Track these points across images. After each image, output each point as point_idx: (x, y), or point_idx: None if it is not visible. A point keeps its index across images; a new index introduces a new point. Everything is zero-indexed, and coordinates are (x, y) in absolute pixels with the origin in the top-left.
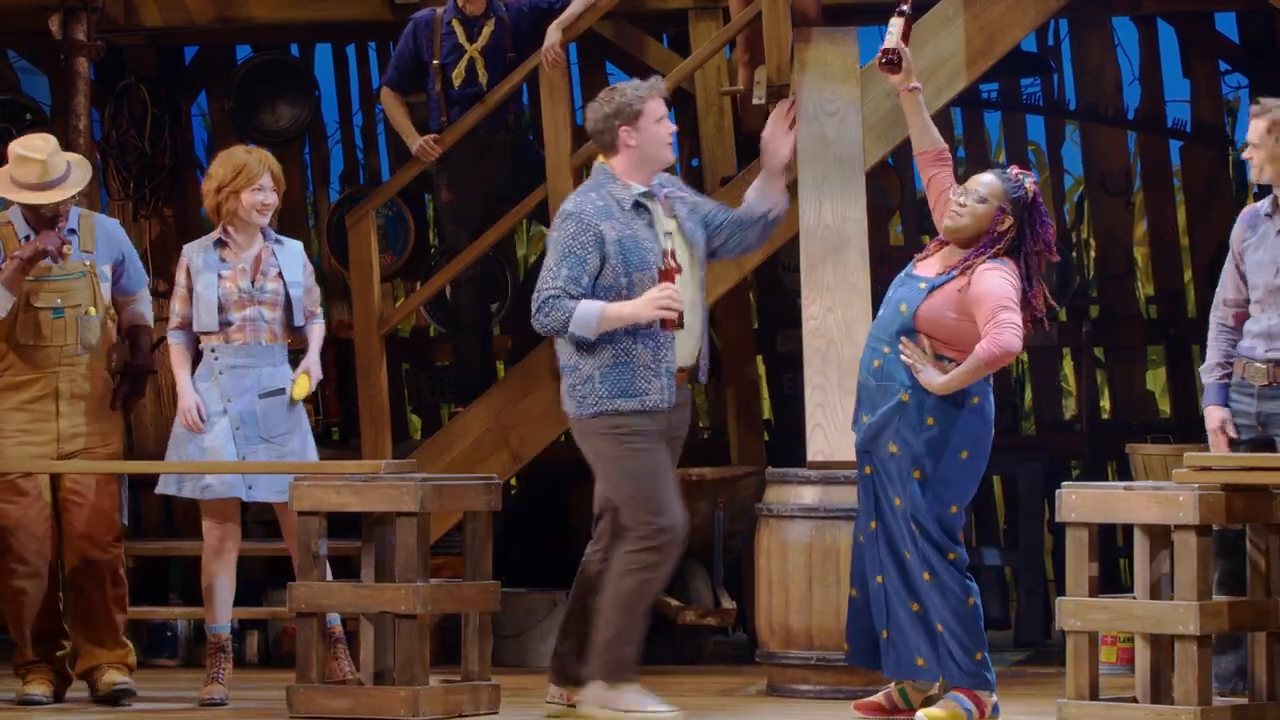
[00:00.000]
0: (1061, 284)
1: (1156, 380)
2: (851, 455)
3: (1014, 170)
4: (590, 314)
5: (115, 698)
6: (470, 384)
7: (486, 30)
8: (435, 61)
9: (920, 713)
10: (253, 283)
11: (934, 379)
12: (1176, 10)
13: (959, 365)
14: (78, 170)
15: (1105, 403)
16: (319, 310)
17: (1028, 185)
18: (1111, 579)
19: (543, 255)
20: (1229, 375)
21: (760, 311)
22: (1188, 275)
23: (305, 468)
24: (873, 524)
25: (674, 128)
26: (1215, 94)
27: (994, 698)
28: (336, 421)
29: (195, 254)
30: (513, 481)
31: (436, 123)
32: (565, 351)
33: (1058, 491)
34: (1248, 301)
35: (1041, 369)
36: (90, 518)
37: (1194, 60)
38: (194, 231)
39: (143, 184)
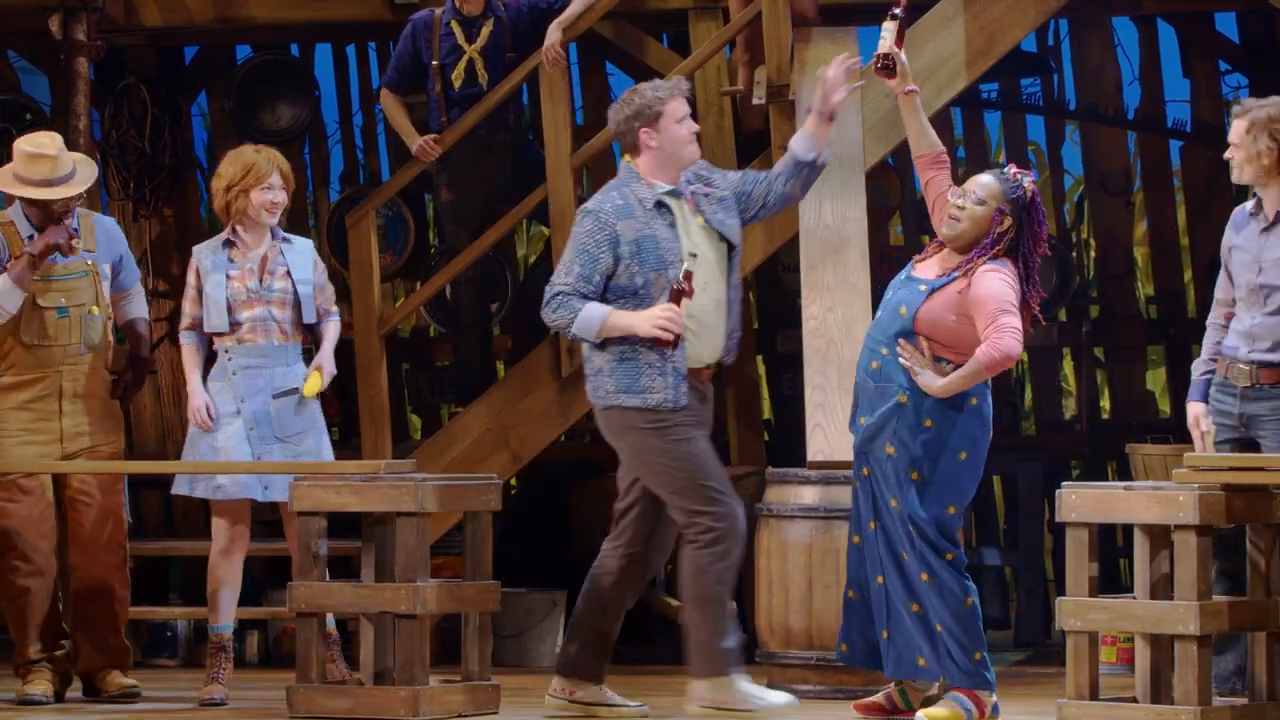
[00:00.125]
0: (1061, 284)
1: (1156, 380)
2: (851, 455)
3: (1012, 170)
4: (594, 319)
5: (125, 699)
6: (470, 384)
7: (485, 30)
8: (435, 62)
9: (920, 713)
10: (260, 282)
11: (933, 382)
12: (1176, 10)
13: (958, 367)
14: (83, 168)
15: (1105, 403)
16: (334, 308)
17: (1026, 184)
18: (1111, 579)
19: (542, 255)
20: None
21: (760, 311)
22: (1188, 275)
23: (314, 467)
24: (873, 524)
25: (696, 126)
26: (1215, 94)
27: (994, 698)
28: (336, 421)
29: (204, 255)
30: (513, 481)
31: (436, 123)
32: (584, 342)
33: (1058, 491)
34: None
35: (1041, 369)
36: (99, 517)
37: (1194, 60)
38: (194, 231)
39: (143, 184)
